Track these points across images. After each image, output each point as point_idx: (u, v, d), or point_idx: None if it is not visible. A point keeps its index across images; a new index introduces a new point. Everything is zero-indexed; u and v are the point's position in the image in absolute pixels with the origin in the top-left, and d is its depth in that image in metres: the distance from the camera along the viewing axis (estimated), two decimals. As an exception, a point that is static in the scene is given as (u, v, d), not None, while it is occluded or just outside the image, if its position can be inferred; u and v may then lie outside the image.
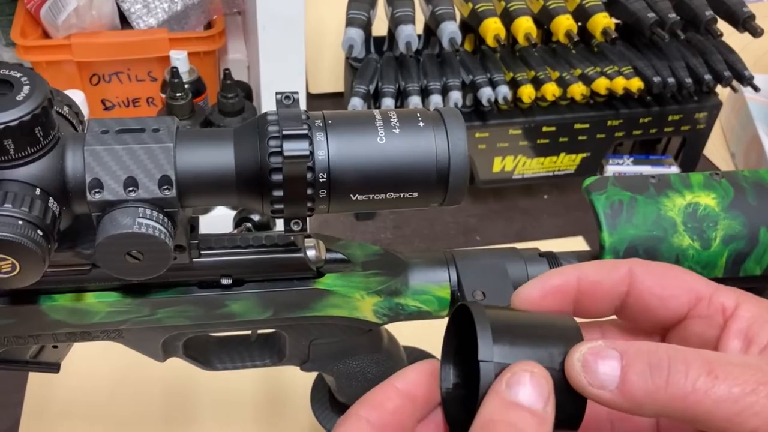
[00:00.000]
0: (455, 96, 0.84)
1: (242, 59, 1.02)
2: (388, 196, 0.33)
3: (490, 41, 0.84)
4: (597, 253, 0.41)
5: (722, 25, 0.87)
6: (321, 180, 0.32)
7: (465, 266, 0.41)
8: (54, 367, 0.44)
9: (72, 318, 0.37)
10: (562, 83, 0.87)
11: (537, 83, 0.87)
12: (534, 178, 0.96)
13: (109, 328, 0.38)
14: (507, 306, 0.31)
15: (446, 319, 0.42)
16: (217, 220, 0.82)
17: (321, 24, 1.06)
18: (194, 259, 0.37)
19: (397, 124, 0.32)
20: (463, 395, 0.29)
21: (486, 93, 0.84)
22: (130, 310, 0.38)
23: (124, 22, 0.94)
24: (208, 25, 0.98)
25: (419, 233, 0.92)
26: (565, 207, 0.98)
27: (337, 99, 1.08)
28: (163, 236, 0.30)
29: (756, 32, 0.86)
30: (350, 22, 0.82)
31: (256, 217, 0.44)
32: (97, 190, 0.30)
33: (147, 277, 0.32)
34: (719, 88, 0.93)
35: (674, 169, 0.96)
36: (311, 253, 0.39)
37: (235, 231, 0.44)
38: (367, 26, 0.83)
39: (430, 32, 0.88)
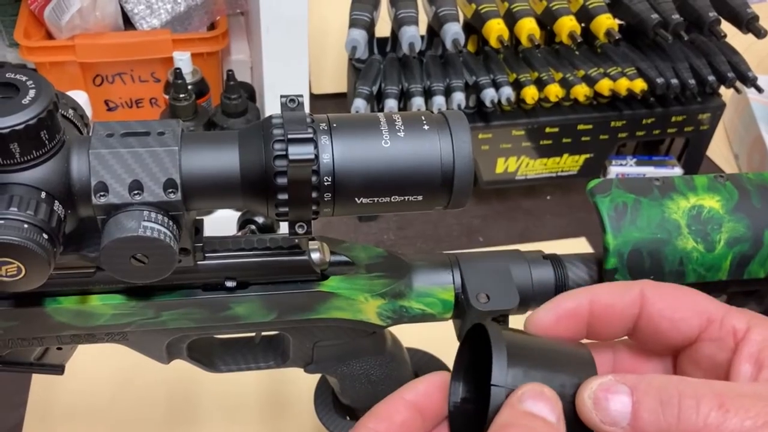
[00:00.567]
0: (458, 97, 0.84)
1: (245, 60, 1.02)
2: (392, 200, 0.33)
3: (493, 42, 0.84)
4: (601, 255, 0.41)
5: (726, 26, 0.87)
6: (326, 183, 0.32)
7: (469, 269, 0.41)
8: (58, 369, 0.44)
9: (76, 320, 0.37)
10: (566, 84, 0.87)
11: (540, 84, 0.87)
12: (537, 179, 0.96)
13: (113, 330, 0.38)
14: (523, 331, 0.31)
15: (450, 322, 0.42)
16: (221, 221, 0.82)
17: (324, 25, 1.06)
18: (199, 262, 0.37)
19: (402, 128, 0.32)
20: (471, 411, 0.29)
21: (489, 94, 0.84)
22: (135, 312, 0.38)
23: (128, 23, 0.94)
24: (212, 26, 0.98)
25: (422, 234, 0.92)
26: (568, 208, 0.98)
27: (340, 100, 1.08)
28: (167, 239, 0.30)
29: (759, 33, 0.85)
30: (353, 23, 0.82)
31: (260, 220, 0.44)
32: (102, 193, 0.30)
33: (152, 280, 0.32)
34: (722, 90, 0.93)
35: (677, 171, 0.96)
36: (315, 256, 0.39)
37: (240, 233, 0.44)
38: (370, 27, 0.83)
39: (433, 33, 0.88)
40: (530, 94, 0.86)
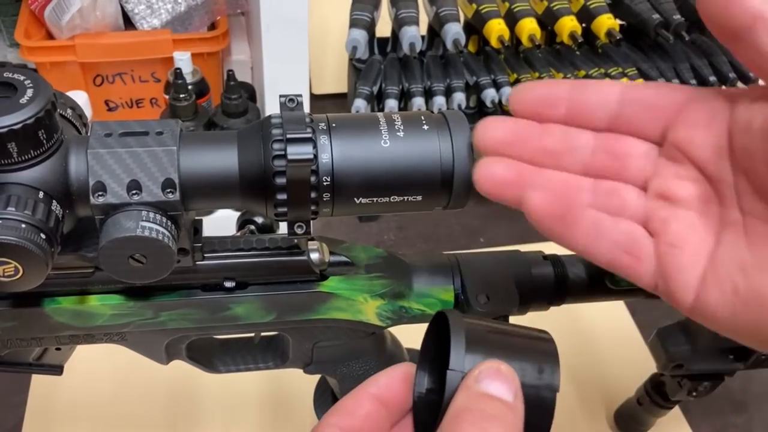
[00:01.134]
0: (459, 97, 0.84)
1: (246, 60, 1.02)
2: (392, 200, 0.33)
3: (494, 42, 0.84)
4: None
5: (727, 27, 0.87)
6: (325, 183, 0.31)
7: (469, 269, 0.41)
8: (57, 370, 0.44)
9: (75, 321, 0.37)
10: (566, 85, 0.87)
11: (541, 84, 0.87)
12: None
13: (112, 330, 0.38)
14: (488, 319, 0.30)
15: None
16: (221, 222, 0.82)
17: (325, 25, 1.06)
18: (197, 262, 0.37)
19: (402, 128, 0.32)
20: (435, 401, 0.29)
21: (490, 94, 0.84)
22: (134, 313, 0.38)
23: (128, 23, 0.94)
24: (212, 26, 0.98)
25: (423, 235, 0.92)
26: (568, 208, 0.98)
27: (340, 100, 1.08)
28: (166, 239, 0.30)
29: (761, 34, 0.85)
30: (354, 23, 0.82)
31: (259, 220, 0.44)
32: (100, 193, 0.30)
33: (150, 281, 0.32)
34: (724, 90, 0.93)
35: (678, 171, 0.96)
36: (315, 256, 0.39)
37: (239, 233, 0.43)
38: (370, 27, 0.83)
39: (434, 33, 0.88)
40: (531, 94, 0.86)
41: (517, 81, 0.87)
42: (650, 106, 0.29)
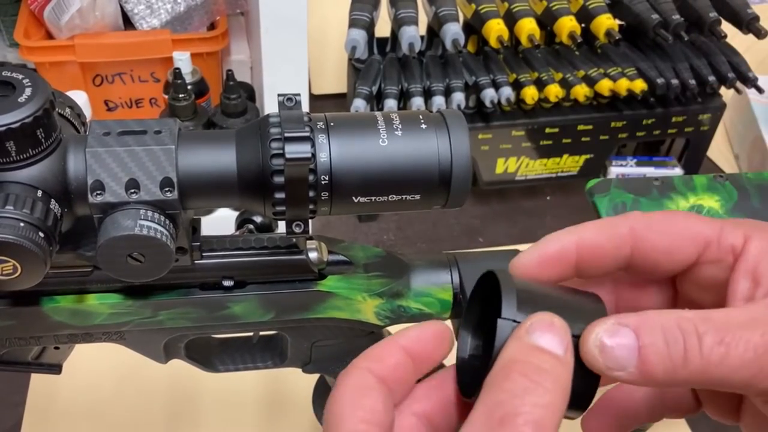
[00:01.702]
0: (458, 97, 0.84)
1: (245, 60, 1.02)
2: (390, 199, 0.33)
3: (493, 42, 0.84)
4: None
5: (726, 27, 0.87)
6: (323, 182, 0.31)
7: (467, 268, 0.41)
8: (55, 369, 0.44)
9: (73, 320, 0.37)
10: (566, 84, 0.87)
11: (540, 84, 0.87)
12: (537, 180, 0.96)
13: (110, 329, 0.38)
14: (532, 280, 0.30)
15: (448, 322, 0.42)
16: (219, 221, 0.82)
17: (324, 25, 1.06)
18: (196, 261, 0.37)
19: (399, 127, 0.32)
20: (476, 366, 0.29)
21: (489, 94, 0.84)
22: (132, 312, 0.38)
23: (127, 23, 0.94)
24: (211, 26, 0.98)
25: (422, 235, 0.92)
26: (568, 208, 0.98)
27: (339, 100, 1.08)
28: (164, 238, 0.30)
29: (760, 34, 0.85)
30: (353, 23, 0.82)
31: (258, 219, 0.44)
32: (98, 192, 0.30)
33: (148, 279, 0.32)
34: (723, 90, 0.93)
35: (677, 171, 0.96)
36: (313, 255, 0.39)
37: (237, 233, 0.43)
38: (370, 27, 0.83)
39: (433, 33, 0.88)
40: (530, 94, 0.86)
41: (516, 81, 0.87)
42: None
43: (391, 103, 0.83)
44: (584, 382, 0.26)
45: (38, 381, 0.68)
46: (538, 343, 0.25)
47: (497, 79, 0.86)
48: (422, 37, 0.88)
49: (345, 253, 0.41)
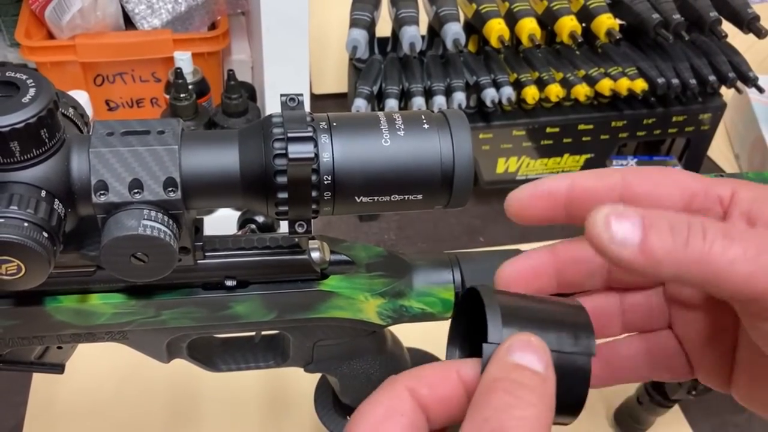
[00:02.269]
0: (459, 97, 0.84)
1: (246, 60, 1.02)
2: (392, 199, 0.33)
3: (494, 42, 0.84)
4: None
5: (727, 26, 0.87)
6: (326, 182, 0.32)
7: (469, 268, 0.41)
8: (58, 368, 0.44)
9: (76, 319, 0.37)
10: (566, 84, 0.87)
11: (541, 84, 0.87)
12: (538, 179, 0.96)
13: (113, 329, 0.38)
14: (517, 293, 0.31)
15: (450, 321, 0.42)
16: (222, 221, 0.82)
17: (325, 25, 1.06)
18: (199, 261, 0.37)
19: (402, 127, 0.32)
20: None
21: (490, 94, 0.84)
22: (135, 311, 0.38)
23: (128, 22, 0.94)
24: (212, 26, 0.98)
25: (423, 234, 0.92)
26: (568, 208, 0.98)
27: (340, 100, 1.08)
28: (167, 238, 0.30)
29: (760, 33, 0.85)
30: (354, 23, 0.82)
31: (260, 219, 0.44)
32: (102, 192, 0.30)
33: (152, 279, 0.32)
34: (723, 90, 0.93)
35: (678, 171, 0.96)
36: (315, 255, 0.39)
37: (240, 232, 0.44)
38: (370, 27, 0.83)
39: (434, 33, 0.88)
40: (531, 94, 0.86)
41: (517, 80, 0.87)
42: None
43: (392, 103, 0.83)
44: (573, 388, 0.27)
45: (40, 381, 0.68)
46: (518, 361, 0.25)
47: (498, 79, 0.86)
48: (423, 37, 0.88)
49: (347, 253, 0.41)
